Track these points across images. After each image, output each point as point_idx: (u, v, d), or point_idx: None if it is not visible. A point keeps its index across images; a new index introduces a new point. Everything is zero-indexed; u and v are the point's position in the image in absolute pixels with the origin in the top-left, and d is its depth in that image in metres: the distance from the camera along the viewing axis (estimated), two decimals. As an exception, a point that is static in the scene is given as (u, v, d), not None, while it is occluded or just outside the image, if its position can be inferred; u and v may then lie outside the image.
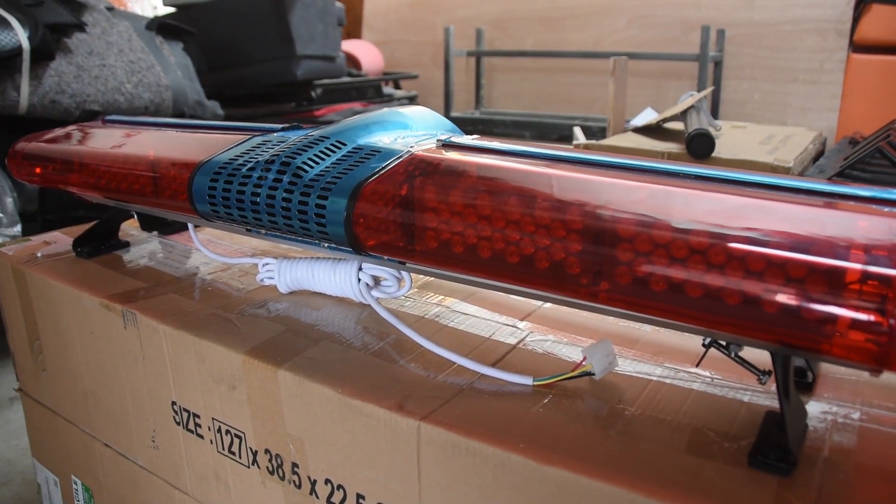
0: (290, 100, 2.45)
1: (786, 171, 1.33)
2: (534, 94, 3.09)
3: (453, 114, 3.00)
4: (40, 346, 0.87)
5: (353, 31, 3.63)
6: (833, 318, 0.37)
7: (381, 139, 0.59)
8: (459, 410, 0.49)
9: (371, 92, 2.75)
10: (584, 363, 0.52)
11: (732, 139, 1.67)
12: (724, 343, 0.48)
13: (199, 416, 0.66)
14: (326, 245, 0.57)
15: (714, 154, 1.37)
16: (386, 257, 0.54)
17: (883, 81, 2.40)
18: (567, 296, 0.48)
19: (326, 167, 0.55)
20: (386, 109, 0.66)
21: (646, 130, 1.68)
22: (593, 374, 0.52)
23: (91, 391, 0.80)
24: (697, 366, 0.53)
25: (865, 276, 0.36)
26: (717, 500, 0.40)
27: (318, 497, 0.57)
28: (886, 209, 0.41)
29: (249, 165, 0.59)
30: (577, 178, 0.49)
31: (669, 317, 0.44)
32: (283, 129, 0.68)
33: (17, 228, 1.38)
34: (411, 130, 0.64)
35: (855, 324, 0.37)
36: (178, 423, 0.68)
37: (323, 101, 2.48)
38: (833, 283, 0.37)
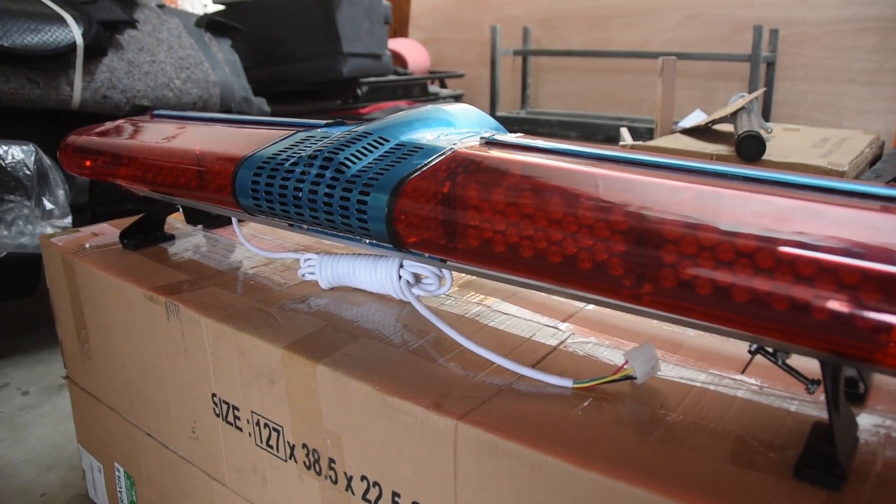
0: (336, 97, 2.46)
1: (840, 175, 1.30)
2: (580, 94, 3.07)
3: (499, 113, 2.99)
4: (86, 335, 0.89)
5: (400, 30, 3.64)
6: (888, 327, 0.36)
7: (425, 136, 0.59)
8: (497, 411, 0.48)
9: (417, 90, 2.76)
10: (625, 367, 0.51)
11: (784, 142, 1.63)
12: (770, 350, 0.47)
13: (238, 409, 0.66)
14: (368, 241, 0.57)
15: (765, 157, 1.34)
16: (427, 255, 0.53)
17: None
18: (609, 297, 0.47)
19: (369, 163, 0.55)
20: (430, 106, 0.66)
21: (694, 132, 1.65)
22: (635, 379, 0.51)
23: (134, 381, 0.82)
24: (743, 373, 0.52)
25: (922, 284, 0.35)
26: (762, 511, 0.39)
27: (353, 493, 0.57)
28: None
29: (293, 160, 0.59)
30: (621, 178, 0.48)
31: (714, 321, 0.43)
32: (326, 125, 0.68)
33: (68, 220, 1.41)
34: (455, 128, 0.63)
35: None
36: (217, 416, 0.69)
37: (368, 98, 2.49)
38: (888, 291, 0.36)
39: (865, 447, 0.45)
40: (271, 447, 0.63)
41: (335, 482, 0.58)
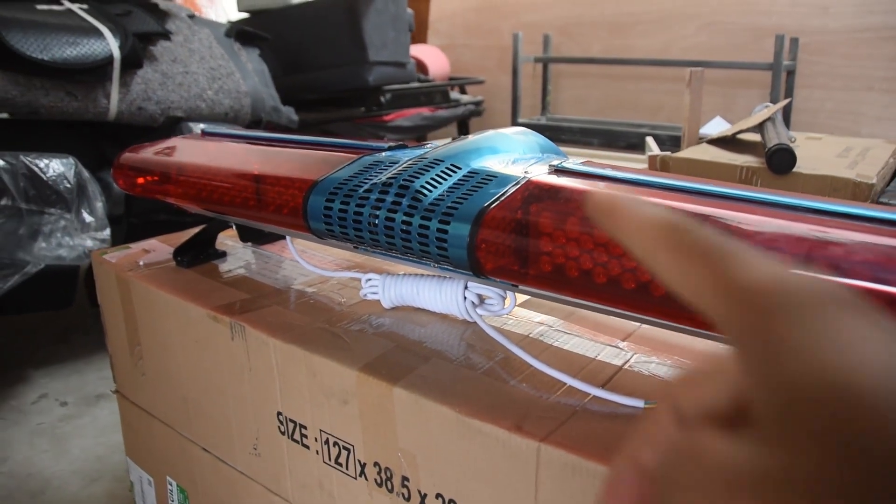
0: (360, 104, 2.48)
1: (868, 187, 1.31)
2: (600, 101, 3.08)
3: (520, 120, 3.00)
4: (140, 350, 0.91)
5: (419, 36, 3.66)
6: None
7: (494, 163, 0.61)
8: (576, 432, 0.50)
9: (438, 97, 2.78)
10: (696, 389, 0.53)
11: (809, 151, 1.64)
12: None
13: (305, 427, 0.68)
14: (438, 266, 0.59)
15: (794, 169, 1.35)
16: (501, 280, 0.55)
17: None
18: (682, 323, 0.48)
19: (445, 191, 0.57)
20: (491, 132, 0.67)
21: (720, 142, 1.66)
22: (705, 401, 0.52)
23: (191, 397, 0.83)
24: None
25: None
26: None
27: (427, 511, 0.58)
28: None
29: (366, 186, 0.61)
30: (690, 210, 0.50)
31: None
32: (390, 149, 0.70)
33: (107, 232, 1.43)
34: (518, 153, 0.65)
35: None
36: (282, 433, 0.71)
37: (392, 105, 2.51)
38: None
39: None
40: (340, 465, 0.65)
41: (408, 499, 0.60)
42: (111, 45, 1.47)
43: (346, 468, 0.65)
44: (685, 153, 1.53)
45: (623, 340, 0.65)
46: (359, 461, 0.63)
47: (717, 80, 2.72)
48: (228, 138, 0.91)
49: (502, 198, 0.54)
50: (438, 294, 0.67)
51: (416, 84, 2.63)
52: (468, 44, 3.45)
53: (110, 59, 1.46)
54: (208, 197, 0.79)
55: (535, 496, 0.50)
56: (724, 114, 2.35)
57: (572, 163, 0.60)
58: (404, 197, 0.57)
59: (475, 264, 0.54)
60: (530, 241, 0.52)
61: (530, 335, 0.65)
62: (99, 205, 1.43)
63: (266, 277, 0.85)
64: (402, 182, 0.58)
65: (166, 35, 1.65)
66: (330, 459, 0.66)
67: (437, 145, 0.66)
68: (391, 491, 0.61)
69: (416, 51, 3.06)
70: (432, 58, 3.12)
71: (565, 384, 0.56)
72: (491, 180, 0.57)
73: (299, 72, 2.39)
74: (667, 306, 0.48)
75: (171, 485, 0.94)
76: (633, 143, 2.51)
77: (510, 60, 3.04)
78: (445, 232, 0.54)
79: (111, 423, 1.25)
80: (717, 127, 2.08)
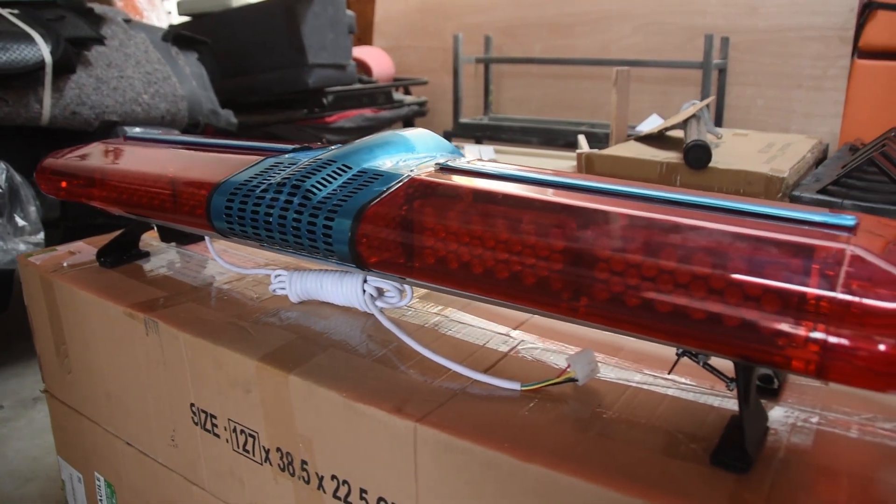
0: (303, 106, 2.50)
1: (780, 180, 1.37)
2: (542, 100, 3.14)
3: (462, 119, 3.05)
4: (66, 350, 0.93)
5: (364, 37, 3.69)
6: (779, 334, 0.42)
7: (385, 162, 0.64)
8: (453, 413, 0.54)
9: (382, 98, 2.81)
10: (568, 370, 0.57)
11: (733, 147, 1.71)
12: (694, 352, 0.53)
13: (215, 417, 0.71)
14: (332, 261, 0.62)
15: (711, 164, 1.41)
16: (386, 273, 0.59)
17: (888, 87, 2.43)
18: (550, 311, 0.52)
19: (333, 190, 0.60)
20: (389, 133, 0.71)
21: (648, 139, 1.72)
22: (577, 381, 0.57)
23: (114, 393, 0.86)
24: (669, 373, 0.58)
25: (805, 297, 0.41)
26: (679, 494, 0.45)
27: (325, 492, 0.62)
28: (832, 233, 0.46)
29: (263, 187, 0.64)
30: (560, 203, 0.54)
31: (642, 331, 0.49)
32: (293, 151, 0.73)
33: (41, 236, 1.44)
34: (413, 153, 0.69)
35: (796, 340, 0.41)
36: (196, 424, 0.74)
37: (334, 107, 2.54)
38: (778, 303, 0.42)
39: (774, 435, 0.52)
40: (247, 451, 0.68)
41: (308, 482, 0.63)
42: (42, 50, 1.48)
43: (253, 455, 0.68)
44: (610, 150, 1.58)
45: (516, 329, 0.69)
46: (263, 447, 0.66)
47: (654, 79, 2.79)
48: (150, 143, 0.94)
49: (384, 195, 0.58)
50: (340, 288, 0.71)
51: (358, 85, 2.66)
52: (413, 45, 3.49)
53: (41, 64, 1.47)
54: (127, 199, 0.81)
55: (416, 473, 0.54)
56: (662, 111, 2.42)
57: (458, 161, 0.64)
58: (296, 196, 0.61)
59: (358, 258, 0.57)
60: (410, 236, 0.55)
61: (426, 325, 0.69)
62: (32, 209, 1.44)
63: (185, 276, 0.88)
64: (294, 182, 0.62)
65: (100, 40, 1.66)
66: (238, 447, 0.69)
67: (338, 147, 0.70)
68: (293, 475, 0.64)
69: (360, 52, 3.09)
70: (376, 59, 3.15)
71: (450, 370, 0.60)
72: (377, 179, 0.60)
73: (240, 75, 2.41)
74: (536, 294, 0.52)
75: (98, 480, 0.97)
76: (570, 141, 2.57)
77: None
78: (330, 228, 0.58)
79: (47, 425, 1.26)
80: (652, 124, 2.14)
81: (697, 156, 1.36)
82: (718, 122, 2.61)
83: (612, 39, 2.92)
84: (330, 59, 2.39)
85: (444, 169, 0.62)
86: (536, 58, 3.06)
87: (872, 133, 1.95)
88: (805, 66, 2.52)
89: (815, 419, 0.54)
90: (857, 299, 0.40)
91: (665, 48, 2.78)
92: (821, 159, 1.81)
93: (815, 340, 0.41)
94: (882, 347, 0.39)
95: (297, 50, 2.29)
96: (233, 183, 0.67)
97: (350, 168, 0.63)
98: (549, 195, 0.56)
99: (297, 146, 0.74)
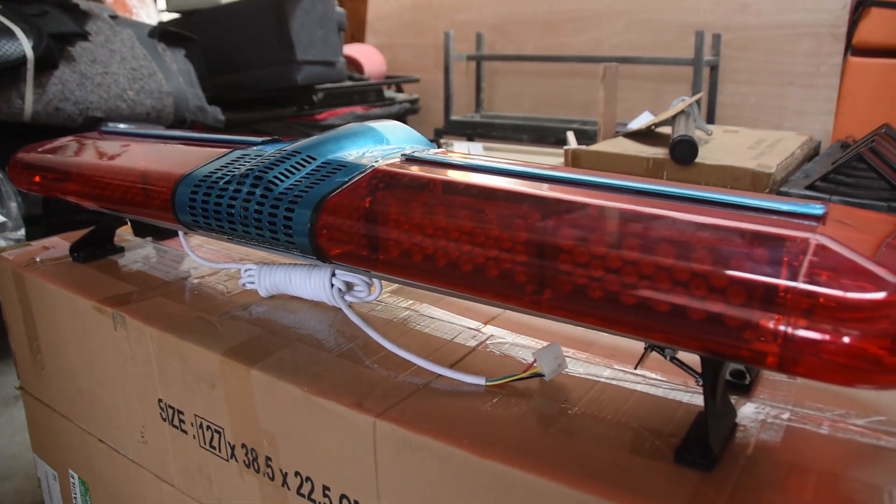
0: (292, 104, 2.49)
1: (767, 176, 1.36)
2: (534, 98, 3.12)
3: (453, 117, 3.03)
4: (39, 346, 0.92)
5: (358, 35, 3.67)
6: (741, 326, 0.41)
7: (350, 154, 0.63)
8: (413, 408, 0.53)
9: (373, 95, 2.80)
10: (534, 365, 0.56)
11: (722, 144, 1.70)
12: (660, 347, 0.52)
13: (182, 413, 0.70)
14: (296, 254, 0.61)
15: (698, 160, 1.40)
16: (348, 266, 0.58)
17: (881, 84, 2.42)
18: (514, 304, 0.51)
19: (296, 181, 0.59)
20: (358, 124, 0.70)
21: (636, 135, 1.71)
22: (543, 376, 0.56)
23: (86, 389, 0.85)
24: (636, 368, 0.57)
25: (766, 287, 0.40)
26: (640, 492, 0.44)
27: (289, 489, 0.61)
28: (798, 222, 0.45)
29: (226, 179, 0.63)
30: (524, 194, 0.53)
31: (606, 325, 0.47)
32: (262, 143, 0.72)
33: (22, 232, 1.43)
34: (383, 145, 0.67)
35: (758, 332, 0.40)
36: (164, 420, 0.73)
37: (325, 104, 2.53)
38: (739, 294, 0.41)
39: (743, 432, 0.50)
40: (214, 448, 0.67)
41: (272, 479, 0.62)
42: (24, 45, 1.47)
43: (220, 451, 0.67)
44: (597, 146, 1.57)
45: (486, 323, 0.68)
46: (229, 443, 0.65)
47: (647, 77, 2.78)
48: (123, 136, 0.93)
49: (345, 185, 0.56)
50: (308, 281, 0.69)
51: (348, 83, 2.64)
52: (406, 42, 3.47)
53: (23, 59, 1.46)
54: (97, 193, 0.80)
55: (376, 470, 0.53)
56: (654, 108, 2.41)
57: (425, 153, 0.63)
58: (258, 187, 0.60)
59: (318, 250, 0.56)
60: (371, 227, 0.54)
61: (394, 320, 0.68)
62: (13, 205, 1.43)
63: (158, 271, 0.86)
64: (257, 173, 0.60)
65: (84, 36, 1.65)
66: (205, 443, 0.68)
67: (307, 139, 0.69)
68: (258, 471, 0.63)
69: (352, 50, 3.08)
70: (367, 57, 3.14)
71: (415, 365, 0.59)
72: (340, 170, 0.59)
73: (229, 72, 2.40)
74: (500, 287, 0.50)
75: (73, 478, 0.95)
76: (561, 138, 2.55)
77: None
78: (291, 219, 0.56)
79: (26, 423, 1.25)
80: (643, 121, 2.13)
81: (683, 151, 1.35)
82: (711, 119, 2.60)
83: (604, 37, 2.91)
84: (319, 55, 2.37)
85: (410, 160, 0.61)
86: (527, 55, 3.05)
87: (865, 130, 1.93)
88: (797, 64, 2.51)
89: (786, 415, 0.53)
90: (820, 290, 0.39)
91: (657, 45, 2.77)
92: (811, 156, 1.80)
93: (777, 332, 0.40)
94: (846, 340, 0.38)
95: (285, 46, 2.27)
96: (197, 175, 0.66)
97: (314, 159, 0.62)
98: (512, 186, 0.54)
99: (266, 139, 0.73)
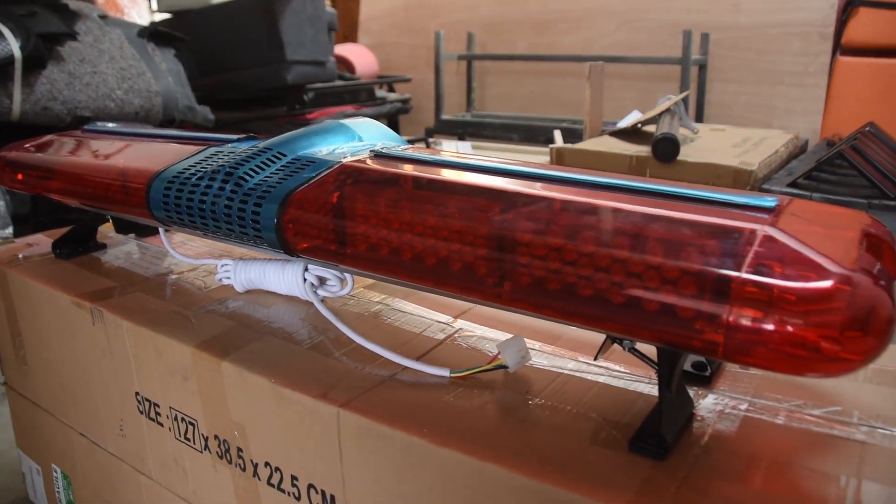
0: (283, 103, 2.50)
1: (748, 173, 1.37)
2: (525, 97, 3.14)
3: (444, 116, 3.04)
4: (21, 341, 0.93)
5: (350, 35, 3.68)
6: (691, 317, 0.42)
7: (321, 150, 0.64)
8: (377, 399, 0.54)
9: (364, 95, 2.80)
10: (498, 357, 0.57)
11: (708, 142, 1.71)
12: (619, 338, 0.53)
13: (158, 406, 0.71)
14: (265, 248, 0.62)
15: (681, 157, 1.41)
16: (316, 260, 0.59)
17: (869, 84, 2.43)
18: (476, 297, 0.52)
19: (265, 177, 0.60)
20: (331, 122, 0.71)
21: (622, 133, 1.72)
22: (507, 368, 0.57)
23: (67, 384, 0.86)
24: (596, 359, 0.58)
25: (714, 278, 0.41)
26: (591, 479, 0.45)
27: (260, 479, 0.62)
28: (750, 214, 0.46)
29: (199, 175, 0.64)
30: (485, 188, 0.54)
31: (565, 316, 0.48)
32: (237, 140, 0.73)
33: (9, 230, 1.44)
34: (354, 142, 0.68)
35: (707, 322, 0.41)
36: (141, 413, 0.74)
37: (316, 104, 2.54)
38: (688, 285, 0.42)
39: (700, 422, 0.51)
40: (188, 440, 0.68)
41: (244, 469, 0.63)
42: (12, 45, 1.48)
43: (194, 443, 0.68)
44: (581, 144, 1.58)
45: (457, 318, 0.69)
46: (202, 435, 0.66)
47: (637, 76, 2.80)
48: (105, 134, 0.94)
49: (312, 180, 0.57)
50: (282, 276, 0.70)
51: (340, 82, 2.65)
52: (398, 42, 3.48)
53: (11, 59, 1.47)
54: (78, 190, 0.81)
55: (341, 458, 0.54)
56: (644, 107, 2.42)
57: (394, 149, 0.64)
58: (228, 183, 0.61)
59: (285, 244, 0.57)
60: (337, 222, 0.55)
61: (366, 314, 0.69)
62: (2, 204, 1.44)
63: (139, 267, 0.87)
64: (227, 169, 0.62)
65: (73, 35, 1.66)
66: (180, 435, 0.69)
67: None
68: (230, 462, 0.64)
69: (343, 50, 3.09)
70: (359, 56, 3.15)
71: (382, 357, 0.60)
72: (308, 165, 0.60)
73: (219, 71, 2.41)
74: (462, 280, 0.51)
75: (56, 472, 0.96)
76: (550, 137, 2.56)
77: (436, 59, 3.08)
78: (258, 214, 0.57)
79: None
80: (632, 120, 2.14)
81: (665, 148, 1.36)
82: (700, 118, 2.61)
83: (594, 37, 2.92)
84: (309, 55, 2.38)
85: (379, 156, 0.62)
86: (518, 54, 3.06)
87: (853, 129, 1.94)
88: (787, 63, 2.52)
89: (744, 406, 0.54)
90: (764, 280, 0.40)
91: (648, 45, 2.78)
92: (797, 154, 1.81)
93: (724, 322, 0.41)
94: (790, 329, 0.39)
95: (275, 46, 2.28)
96: (171, 172, 0.67)
97: (285, 155, 0.63)
98: (474, 181, 0.55)
99: (241, 136, 0.74)
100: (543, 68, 3.04)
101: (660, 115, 1.66)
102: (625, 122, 2.07)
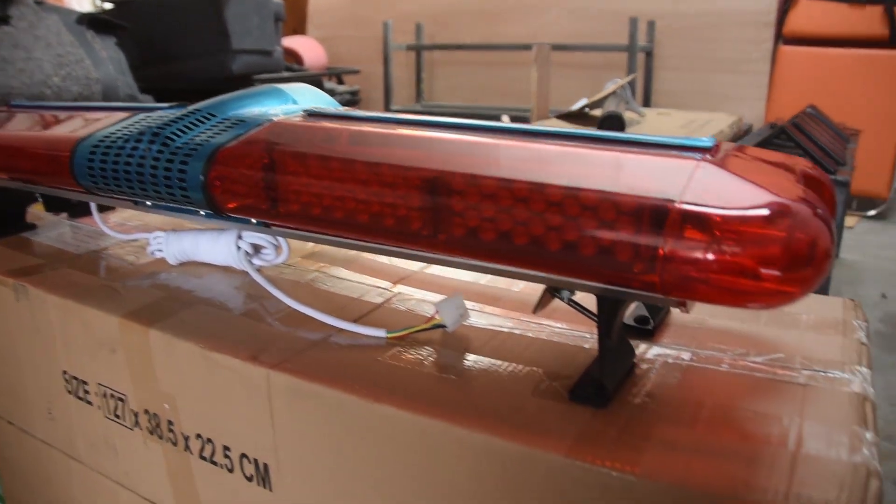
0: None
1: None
2: (474, 87, 3.13)
3: (393, 107, 3.02)
4: (-55, 327, 0.89)
5: (300, 28, 3.64)
6: (626, 253, 0.41)
7: (253, 111, 0.62)
8: (309, 360, 0.52)
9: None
10: (436, 316, 0.55)
11: (654, 125, 1.72)
12: (557, 290, 0.52)
13: (86, 383, 0.68)
14: (204, 213, 0.60)
15: (628, 137, 1.41)
16: (251, 220, 0.56)
17: (810, 72, 2.48)
18: (410, 247, 0.50)
19: (192, 136, 0.58)
20: (265, 86, 0.68)
21: (568, 116, 1.72)
22: (445, 327, 0.55)
23: (-6, 369, 0.82)
24: (535, 312, 0.56)
25: (648, 211, 0.40)
26: (530, 428, 0.44)
27: (192, 452, 0.59)
28: (687, 154, 0.45)
29: (125, 138, 0.61)
30: (414, 138, 0.52)
31: (501, 263, 0.47)
32: (168, 107, 0.70)
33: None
34: (289, 104, 0.66)
35: (642, 257, 0.40)
36: (69, 392, 0.70)
37: (262, 95, 2.49)
38: (624, 221, 0.41)
39: (642, 372, 0.51)
40: (118, 417, 0.65)
41: (175, 444, 0.61)
42: (-61, 28, 1.42)
43: (124, 419, 0.65)
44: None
45: (396, 283, 0.67)
46: (132, 411, 0.64)
47: (585, 65, 2.80)
48: (33, 109, 0.90)
49: (240, 137, 0.55)
50: (215, 246, 0.68)
51: (286, 73, 2.62)
52: (346, 35, 3.45)
53: (-62, 42, 1.41)
54: (4, 164, 0.78)
55: (273, 424, 0.52)
56: (591, 96, 2.43)
57: (327, 108, 0.62)
58: (155, 143, 0.58)
59: (213, 203, 0.55)
60: (266, 177, 0.53)
61: (302, 281, 0.67)
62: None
63: (69, 245, 0.84)
64: (154, 130, 0.59)
65: (5, 20, 1.60)
66: (110, 413, 0.66)
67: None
68: (161, 438, 0.62)
69: (291, 42, 3.05)
70: (308, 49, 3.12)
71: (317, 320, 0.58)
72: (238, 124, 0.58)
73: (164, 61, 2.35)
74: (396, 232, 0.50)
75: (-14, 465, 0.92)
76: (500, 125, 2.57)
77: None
78: (185, 172, 0.55)
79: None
80: (578, 105, 2.15)
81: (611, 126, 1.36)
82: (646, 104, 2.63)
83: (541, 26, 2.93)
84: (255, 44, 2.34)
85: (312, 115, 0.60)
86: (465, 44, 3.05)
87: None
88: (728, 50, 2.56)
89: (687, 356, 0.53)
90: (698, 209, 0.39)
91: (594, 33, 2.79)
92: (741, 136, 1.83)
93: (659, 256, 0.40)
94: (728, 257, 0.38)
95: (220, 35, 2.24)
96: (96, 137, 0.64)
97: (214, 115, 0.61)
98: (405, 132, 0.54)
99: (173, 104, 0.71)
100: (492, 59, 3.04)
101: (606, 97, 1.66)
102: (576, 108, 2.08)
